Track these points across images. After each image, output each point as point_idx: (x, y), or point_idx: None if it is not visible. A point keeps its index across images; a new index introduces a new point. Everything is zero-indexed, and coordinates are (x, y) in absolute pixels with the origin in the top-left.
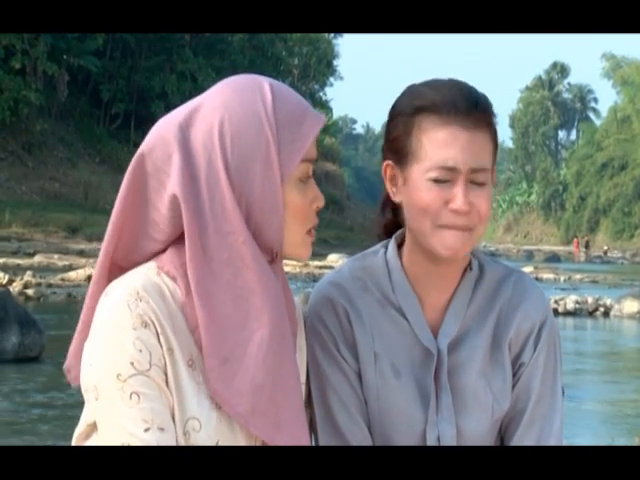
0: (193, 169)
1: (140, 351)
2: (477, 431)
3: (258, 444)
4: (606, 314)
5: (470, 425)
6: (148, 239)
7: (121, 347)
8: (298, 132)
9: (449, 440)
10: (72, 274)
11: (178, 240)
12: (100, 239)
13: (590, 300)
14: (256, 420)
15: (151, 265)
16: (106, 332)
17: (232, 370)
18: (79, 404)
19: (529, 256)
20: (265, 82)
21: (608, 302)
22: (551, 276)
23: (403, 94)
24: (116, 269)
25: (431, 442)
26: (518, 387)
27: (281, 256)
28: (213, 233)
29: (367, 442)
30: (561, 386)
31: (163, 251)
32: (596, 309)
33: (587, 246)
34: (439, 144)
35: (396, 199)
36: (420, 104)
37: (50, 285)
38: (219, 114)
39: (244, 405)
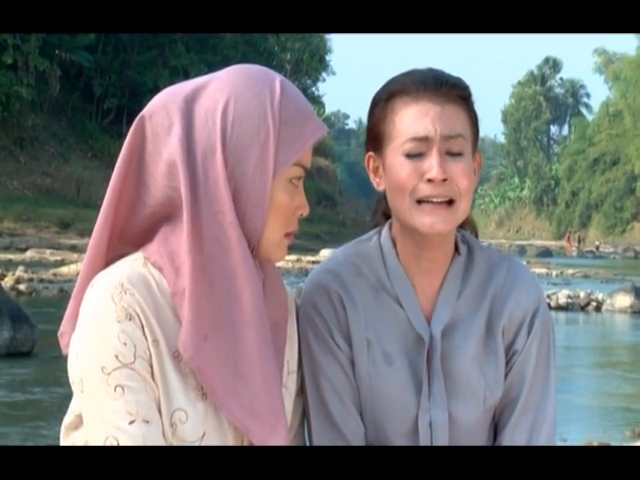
0: (191, 141)
1: (125, 344)
2: (469, 418)
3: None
4: (598, 309)
5: (462, 411)
6: (141, 203)
7: (105, 340)
8: (299, 133)
9: (441, 426)
10: (64, 269)
11: (164, 225)
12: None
13: (582, 295)
14: (230, 403)
15: (138, 256)
16: (91, 325)
17: (211, 348)
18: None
19: (521, 251)
20: (277, 77)
21: (600, 297)
22: (543, 271)
23: (382, 86)
24: (114, 243)
25: (423, 428)
26: (511, 375)
27: (256, 254)
28: (205, 209)
29: (359, 430)
30: (554, 374)
31: (149, 240)
32: (588, 304)
33: (579, 241)
34: (410, 119)
35: (380, 189)
36: (392, 89)
37: (42, 280)
38: (226, 94)
39: (219, 385)
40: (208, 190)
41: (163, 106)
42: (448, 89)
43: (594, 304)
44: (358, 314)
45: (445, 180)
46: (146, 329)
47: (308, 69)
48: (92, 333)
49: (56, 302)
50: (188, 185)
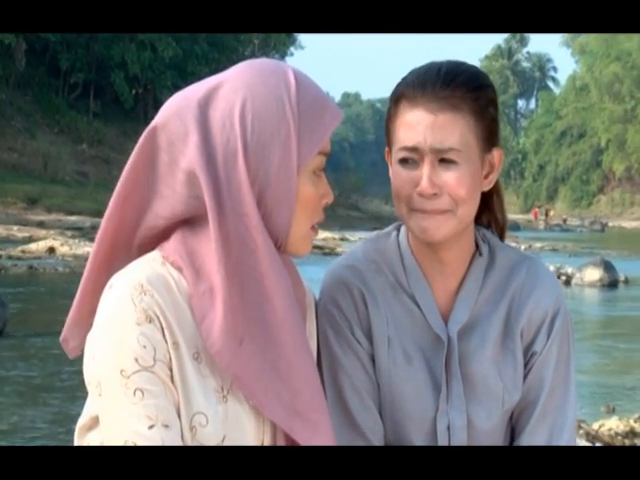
0: (210, 147)
1: (144, 347)
2: (487, 421)
3: (267, 438)
4: (568, 283)
5: (480, 415)
6: (153, 215)
7: (125, 343)
8: (319, 123)
9: (459, 429)
10: (33, 246)
11: (182, 226)
12: (60, 210)
13: (552, 269)
14: (270, 403)
15: (155, 255)
16: (110, 327)
17: (247, 351)
18: (46, 376)
19: None
20: (289, 68)
21: (569, 271)
22: (512, 244)
23: (402, 77)
24: (119, 248)
25: (441, 430)
26: (530, 377)
27: (283, 249)
28: (230, 213)
29: (378, 427)
30: (573, 376)
31: (166, 238)
32: (558, 277)
33: (546, 214)
34: (404, 127)
35: None
36: (399, 91)
37: (10, 257)
38: (241, 94)
39: (259, 388)
40: (231, 194)
41: (176, 113)
42: (450, 92)
43: (564, 278)
44: (379, 311)
45: (436, 193)
46: (166, 331)
47: (276, 44)
48: (111, 336)
49: (25, 279)
50: (211, 192)
